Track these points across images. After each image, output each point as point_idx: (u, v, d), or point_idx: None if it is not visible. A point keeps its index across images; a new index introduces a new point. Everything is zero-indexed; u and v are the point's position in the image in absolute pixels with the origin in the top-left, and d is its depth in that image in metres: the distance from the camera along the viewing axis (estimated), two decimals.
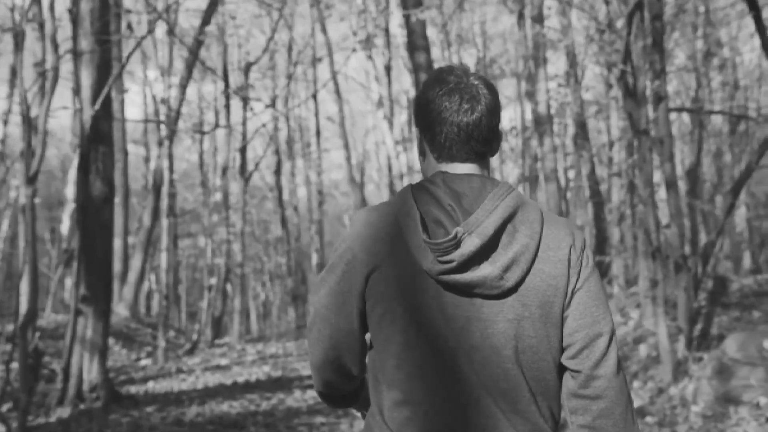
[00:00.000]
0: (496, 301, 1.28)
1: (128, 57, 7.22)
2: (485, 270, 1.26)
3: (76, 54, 6.67)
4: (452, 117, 1.32)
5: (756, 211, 16.92)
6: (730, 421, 5.26)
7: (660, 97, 7.04)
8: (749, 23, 13.92)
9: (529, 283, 1.29)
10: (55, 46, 5.53)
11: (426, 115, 1.36)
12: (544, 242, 1.31)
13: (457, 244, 1.24)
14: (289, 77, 17.57)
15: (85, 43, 6.69)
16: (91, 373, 6.75)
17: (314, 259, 23.49)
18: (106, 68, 7.04)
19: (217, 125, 14.27)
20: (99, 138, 6.88)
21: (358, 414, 1.65)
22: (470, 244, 1.24)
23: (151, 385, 8.59)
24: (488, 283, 1.26)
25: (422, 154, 1.42)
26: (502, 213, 1.28)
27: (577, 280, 1.32)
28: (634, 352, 7.90)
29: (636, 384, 6.77)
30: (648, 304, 9.04)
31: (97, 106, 6.73)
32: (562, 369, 1.35)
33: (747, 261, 15.13)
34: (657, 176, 9.25)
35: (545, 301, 1.29)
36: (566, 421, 1.38)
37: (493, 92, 1.36)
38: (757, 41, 15.00)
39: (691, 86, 14.28)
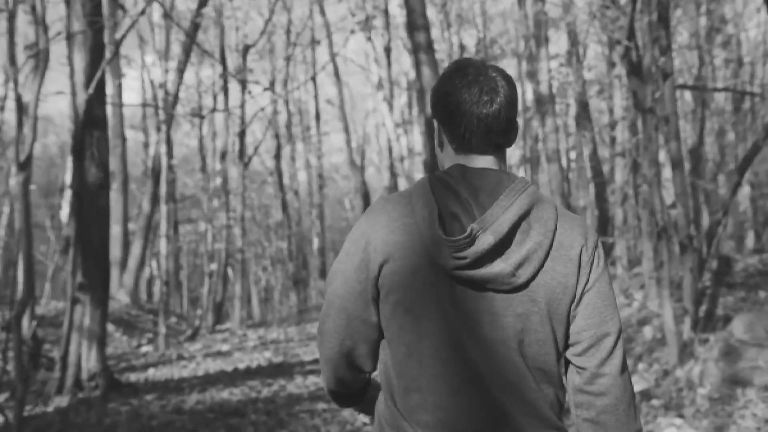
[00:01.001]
0: (506, 295, 1.31)
1: (121, 39, 7.06)
2: (498, 266, 1.29)
3: (68, 36, 6.52)
4: (472, 109, 1.34)
5: (760, 190, 16.75)
6: (737, 404, 5.17)
7: (666, 74, 6.88)
8: None
9: (540, 280, 1.31)
10: (45, 28, 5.38)
11: (445, 107, 1.38)
12: (557, 241, 1.33)
13: (471, 241, 1.26)
14: (288, 59, 17.36)
15: (78, 25, 6.54)
16: (90, 362, 6.68)
17: (315, 243, 23.42)
18: (100, 51, 6.88)
19: (214, 109, 14.09)
20: (93, 123, 6.75)
21: (362, 416, 1.61)
22: (484, 242, 1.26)
23: (151, 372, 8.53)
24: (500, 280, 1.29)
25: (440, 145, 1.44)
26: (518, 210, 1.30)
27: (588, 280, 1.35)
28: (638, 333, 7.81)
29: (641, 366, 6.69)
30: (652, 285, 8.93)
31: (90, 90, 6.59)
32: (566, 361, 1.39)
33: (750, 240, 15.00)
34: (661, 155, 9.11)
35: (554, 298, 1.32)
36: (569, 411, 1.43)
37: (511, 85, 1.38)
38: (762, 16, 14.74)
39: (694, 64, 14.07)
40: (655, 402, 5.61)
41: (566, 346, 1.37)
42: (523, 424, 1.31)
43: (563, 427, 1.37)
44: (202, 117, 10.95)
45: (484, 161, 1.39)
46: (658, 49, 6.88)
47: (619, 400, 1.33)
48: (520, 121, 18.31)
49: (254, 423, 5.68)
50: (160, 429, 5.44)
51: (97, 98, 6.74)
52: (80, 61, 6.66)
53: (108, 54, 6.96)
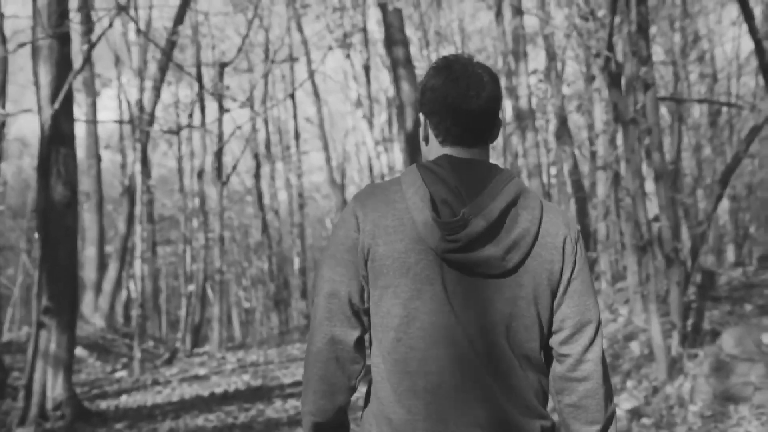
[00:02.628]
0: (495, 280, 1.34)
1: (90, 48, 6.83)
2: (489, 251, 1.32)
3: (33, 49, 6.29)
4: (458, 103, 1.37)
5: (738, 204, 16.84)
6: (730, 421, 5.01)
7: (647, 85, 6.80)
8: (729, 12, 13.82)
9: (528, 266, 1.35)
10: (3, 38, 5.15)
11: (432, 101, 1.41)
12: (543, 228, 1.38)
13: (464, 225, 1.29)
14: (266, 76, 17.17)
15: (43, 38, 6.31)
16: (56, 390, 6.35)
17: (296, 263, 23.10)
18: (66, 64, 6.65)
19: (189, 125, 13.85)
20: (59, 139, 6.49)
21: None
22: (477, 226, 1.30)
23: (124, 398, 8.19)
24: (491, 263, 1.32)
25: (425, 139, 1.46)
26: (507, 197, 1.34)
27: (572, 269, 1.40)
28: (625, 349, 7.65)
29: (630, 383, 6.51)
30: (637, 299, 8.80)
31: (56, 105, 6.34)
32: (548, 349, 1.42)
33: (730, 254, 15.01)
34: (642, 168, 9.01)
35: (539, 283, 1.36)
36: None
37: (496, 81, 1.42)
38: (736, 30, 14.90)
39: (669, 80, 14.14)
40: (645, 420, 5.43)
41: (549, 334, 1.40)
42: (510, 412, 1.31)
43: (548, 416, 1.39)
44: (176, 133, 10.74)
45: (470, 154, 1.41)
46: (639, 60, 6.81)
47: (599, 385, 1.39)
48: (500, 137, 18.30)
49: None
50: None
51: (64, 113, 6.49)
52: (46, 74, 6.42)
53: (76, 67, 6.72)
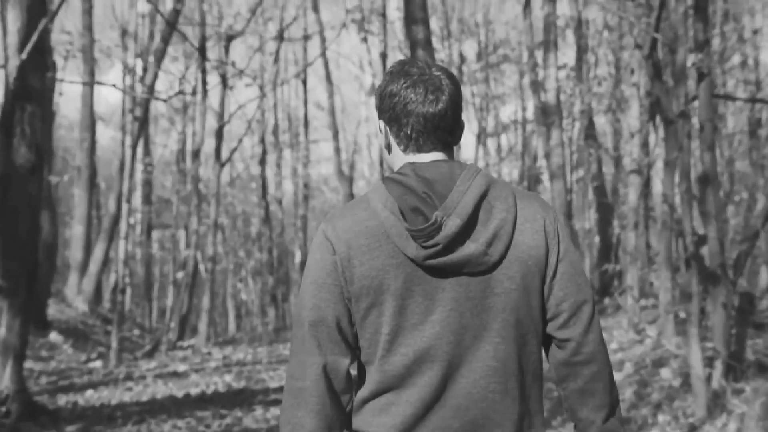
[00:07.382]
0: (482, 277, 1.32)
1: None
2: (469, 248, 1.30)
3: None
4: (418, 108, 1.35)
5: None
6: None
7: (701, 75, 5.89)
8: None
9: (512, 255, 1.32)
10: None
11: (391, 108, 1.38)
12: (520, 215, 1.35)
13: (438, 228, 1.27)
14: (277, 51, 16.23)
15: None
16: (3, 382, 5.52)
17: (297, 256, 22.30)
18: (40, 11, 5.82)
19: (181, 92, 13.05)
20: (26, 94, 5.66)
21: None
22: (452, 225, 1.28)
23: (89, 394, 7.35)
24: (474, 260, 1.30)
25: (387, 147, 1.44)
26: (476, 191, 1.31)
27: (558, 251, 1.37)
28: (654, 377, 6.76)
29: (662, 418, 5.63)
30: (669, 320, 7.91)
31: (24, 55, 5.51)
32: (546, 339, 1.40)
33: (764, 277, 14.06)
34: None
35: (528, 271, 1.33)
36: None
37: (456, 83, 1.39)
38: None
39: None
40: None
41: (545, 322, 1.38)
42: (504, 422, 1.30)
43: (543, 423, 1.35)
44: (165, 101, 9.95)
45: (433, 158, 1.38)
46: (695, 44, 5.91)
47: (604, 366, 1.38)
48: (519, 138, 17.45)
49: None
50: None
51: (33, 65, 5.65)
52: (15, 20, 5.59)
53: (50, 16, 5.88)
